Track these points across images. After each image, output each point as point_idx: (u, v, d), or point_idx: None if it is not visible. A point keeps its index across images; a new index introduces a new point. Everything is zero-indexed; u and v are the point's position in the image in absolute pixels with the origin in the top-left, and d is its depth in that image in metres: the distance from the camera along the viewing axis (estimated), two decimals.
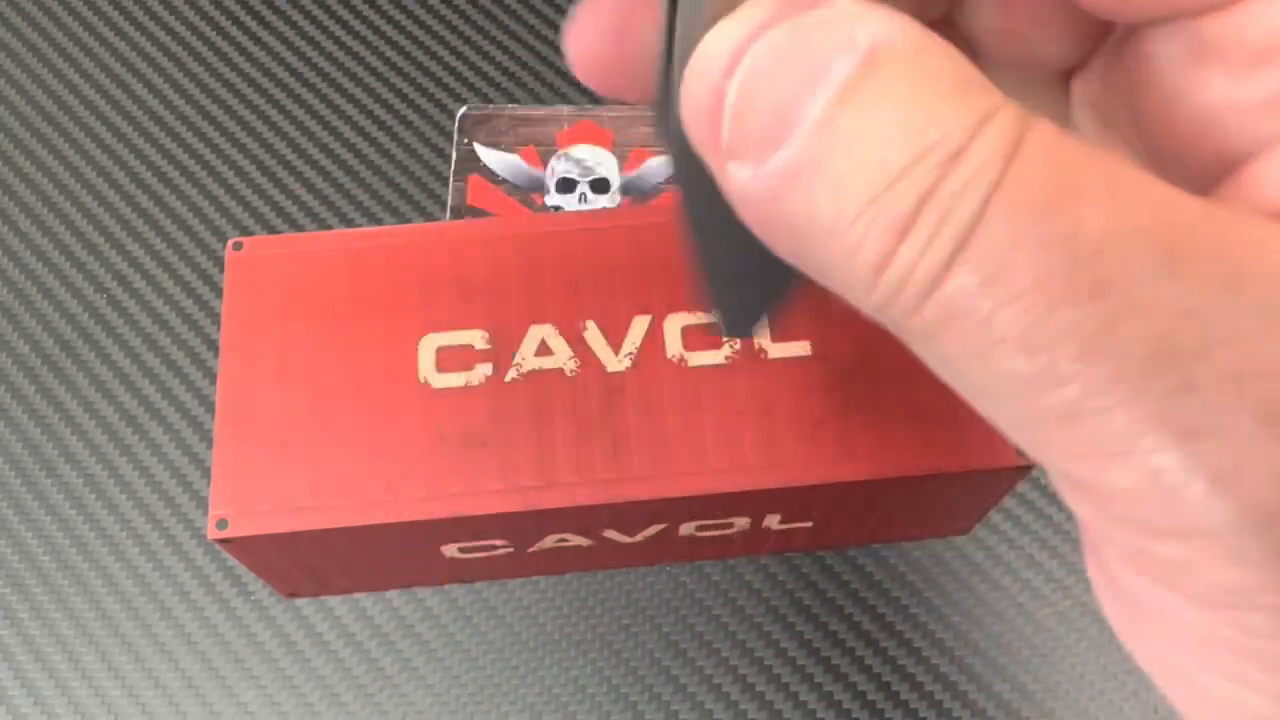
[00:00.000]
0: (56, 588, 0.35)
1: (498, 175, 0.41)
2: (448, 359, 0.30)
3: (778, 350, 0.30)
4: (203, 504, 0.36)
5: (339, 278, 0.31)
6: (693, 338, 0.30)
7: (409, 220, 0.41)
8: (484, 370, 0.30)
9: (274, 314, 0.31)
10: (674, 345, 0.30)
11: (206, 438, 0.37)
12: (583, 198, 0.41)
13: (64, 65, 0.43)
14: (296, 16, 0.44)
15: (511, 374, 0.30)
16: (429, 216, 0.41)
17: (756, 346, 0.30)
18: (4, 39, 0.44)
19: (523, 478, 0.29)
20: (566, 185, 0.41)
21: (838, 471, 0.29)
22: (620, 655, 0.34)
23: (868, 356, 0.30)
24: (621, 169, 0.42)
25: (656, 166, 0.42)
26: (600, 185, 0.41)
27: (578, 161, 0.42)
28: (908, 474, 0.29)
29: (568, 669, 0.33)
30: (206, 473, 0.37)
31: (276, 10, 0.45)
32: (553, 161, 0.42)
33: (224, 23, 0.44)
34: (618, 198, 0.41)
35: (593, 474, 0.29)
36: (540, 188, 0.41)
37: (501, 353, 0.30)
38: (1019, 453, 0.28)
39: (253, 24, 0.44)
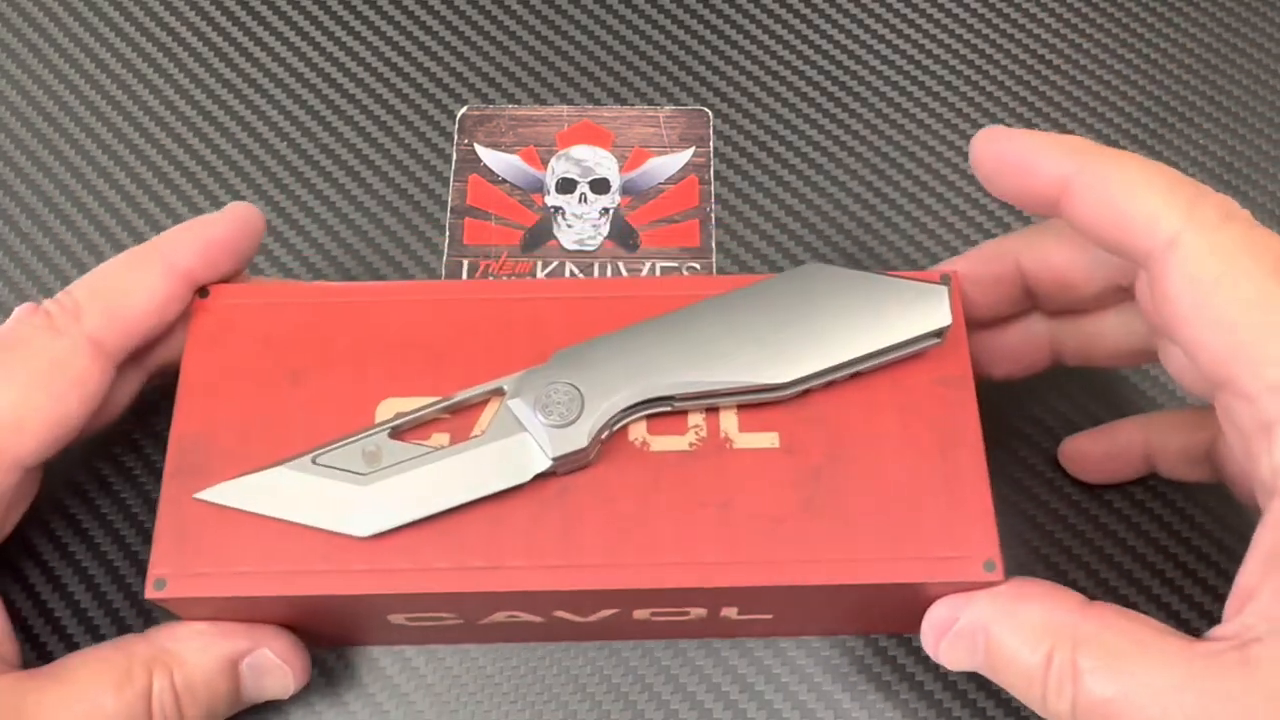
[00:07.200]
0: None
1: (498, 175, 0.41)
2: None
3: (745, 440, 0.29)
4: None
5: (305, 334, 0.30)
6: (657, 423, 0.29)
7: (409, 220, 0.41)
8: (440, 440, 0.29)
9: (235, 368, 0.29)
10: (637, 429, 0.29)
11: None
12: (583, 198, 0.41)
13: (64, 65, 0.43)
14: (296, 16, 0.45)
15: None
16: (429, 217, 0.41)
17: (723, 434, 0.29)
18: (4, 39, 0.44)
19: (470, 557, 0.27)
20: (566, 185, 0.41)
21: (797, 574, 0.27)
22: (620, 654, 0.34)
23: (836, 455, 0.29)
24: (621, 169, 0.42)
25: (656, 166, 0.42)
26: (600, 185, 0.41)
27: (578, 161, 0.42)
28: (869, 582, 0.27)
29: (568, 668, 0.33)
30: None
31: (276, 10, 0.45)
32: (553, 161, 0.42)
33: (224, 23, 0.44)
34: (617, 198, 0.41)
35: (542, 559, 0.27)
36: (540, 188, 0.41)
37: (460, 423, 0.29)
38: (986, 567, 0.27)
39: (253, 24, 0.44)
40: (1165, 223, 0.25)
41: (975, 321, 0.31)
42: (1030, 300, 0.32)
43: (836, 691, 0.33)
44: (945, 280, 0.30)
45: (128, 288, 0.29)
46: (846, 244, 0.40)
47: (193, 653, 0.28)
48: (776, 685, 0.33)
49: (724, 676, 0.33)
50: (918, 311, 0.29)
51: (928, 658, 0.34)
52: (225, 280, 0.31)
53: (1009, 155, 0.27)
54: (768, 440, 0.29)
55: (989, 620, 0.27)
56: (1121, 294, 0.30)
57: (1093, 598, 0.27)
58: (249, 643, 0.29)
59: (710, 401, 0.29)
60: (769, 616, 0.31)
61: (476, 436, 0.28)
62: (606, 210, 0.41)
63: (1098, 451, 0.35)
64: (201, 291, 0.30)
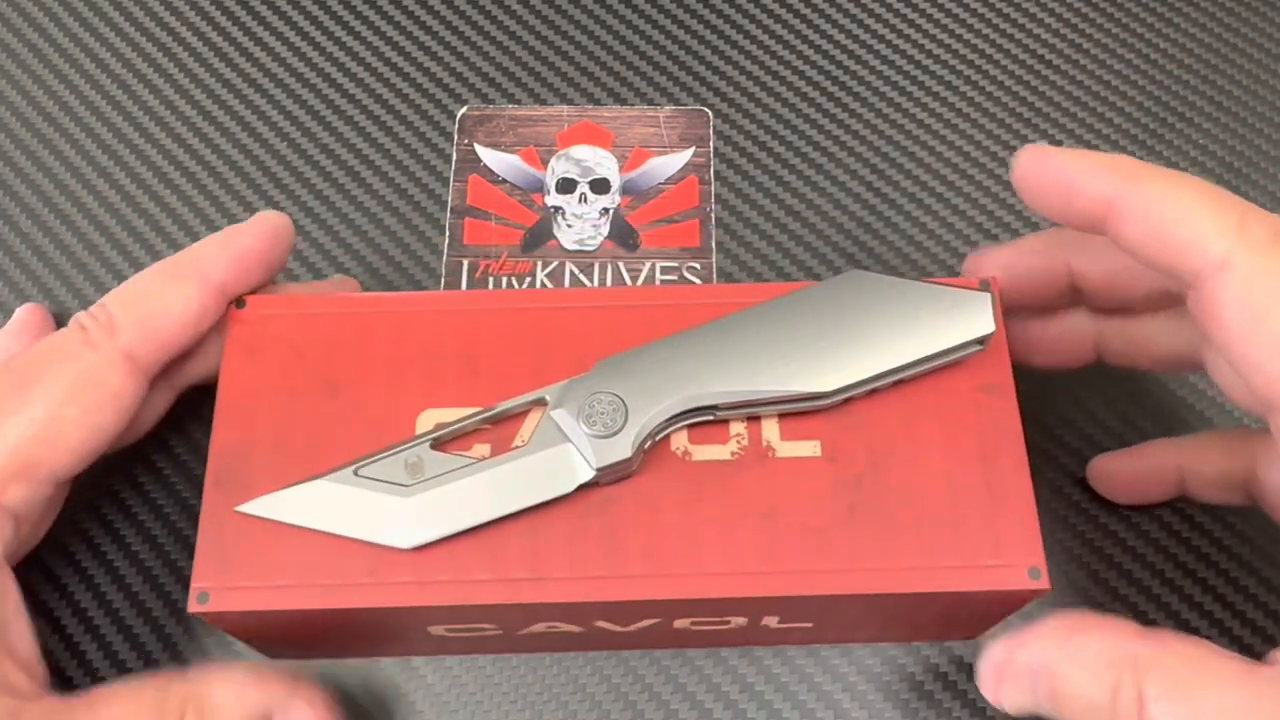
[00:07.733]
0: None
1: (498, 175, 0.41)
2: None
3: (787, 449, 0.29)
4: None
5: (342, 345, 0.30)
6: (698, 432, 0.29)
7: (409, 220, 0.41)
8: (481, 451, 0.29)
9: (273, 380, 0.29)
10: (679, 438, 0.29)
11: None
12: (583, 198, 0.41)
13: (64, 65, 0.43)
14: (296, 16, 0.45)
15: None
16: (429, 217, 0.41)
17: (764, 443, 0.29)
18: (4, 39, 0.44)
19: (513, 568, 0.27)
20: (566, 185, 0.41)
21: (840, 583, 0.27)
22: (620, 655, 0.34)
23: (878, 463, 0.28)
24: (621, 169, 0.42)
25: (656, 166, 0.42)
26: (600, 185, 0.41)
27: (578, 161, 0.42)
28: (914, 591, 0.27)
29: (568, 668, 0.33)
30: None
31: (276, 10, 0.45)
32: (553, 161, 0.42)
33: (224, 23, 0.44)
34: (617, 198, 0.41)
35: (585, 570, 0.27)
36: (540, 188, 0.41)
37: (501, 434, 0.29)
38: (1031, 574, 0.27)
39: (253, 24, 0.44)
40: (1214, 244, 0.24)
41: (1020, 308, 0.31)
42: (1078, 296, 0.31)
43: (836, 691, 0.33)
44: (985, 286, 0.30)
45: (162, 301, 0.29)
46: (847, 244, 0.40)
47: (228, 700, 0.28)
48: (777, 685, 0.33)
49: (724, 677, 0.33)
50: (961, 319, 0.28)
51: (926, 660, 0.34)
52: (256, 289, 0.31)
53: (1052, 174, 0.27)
54: (809, 449, 0.29)
55: (1052, 659, 0.26)
56: (1172, 298, 0.29)
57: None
58: (285, 695, 0.29)
59: (752, 410, 0.29)
60: (809, 625, 0.31)
61: (518, 447, 0.28)
62: (606, 210, 0.41)
63: (1128, 472, 0.35)
64: (238, 302, 0.30)
